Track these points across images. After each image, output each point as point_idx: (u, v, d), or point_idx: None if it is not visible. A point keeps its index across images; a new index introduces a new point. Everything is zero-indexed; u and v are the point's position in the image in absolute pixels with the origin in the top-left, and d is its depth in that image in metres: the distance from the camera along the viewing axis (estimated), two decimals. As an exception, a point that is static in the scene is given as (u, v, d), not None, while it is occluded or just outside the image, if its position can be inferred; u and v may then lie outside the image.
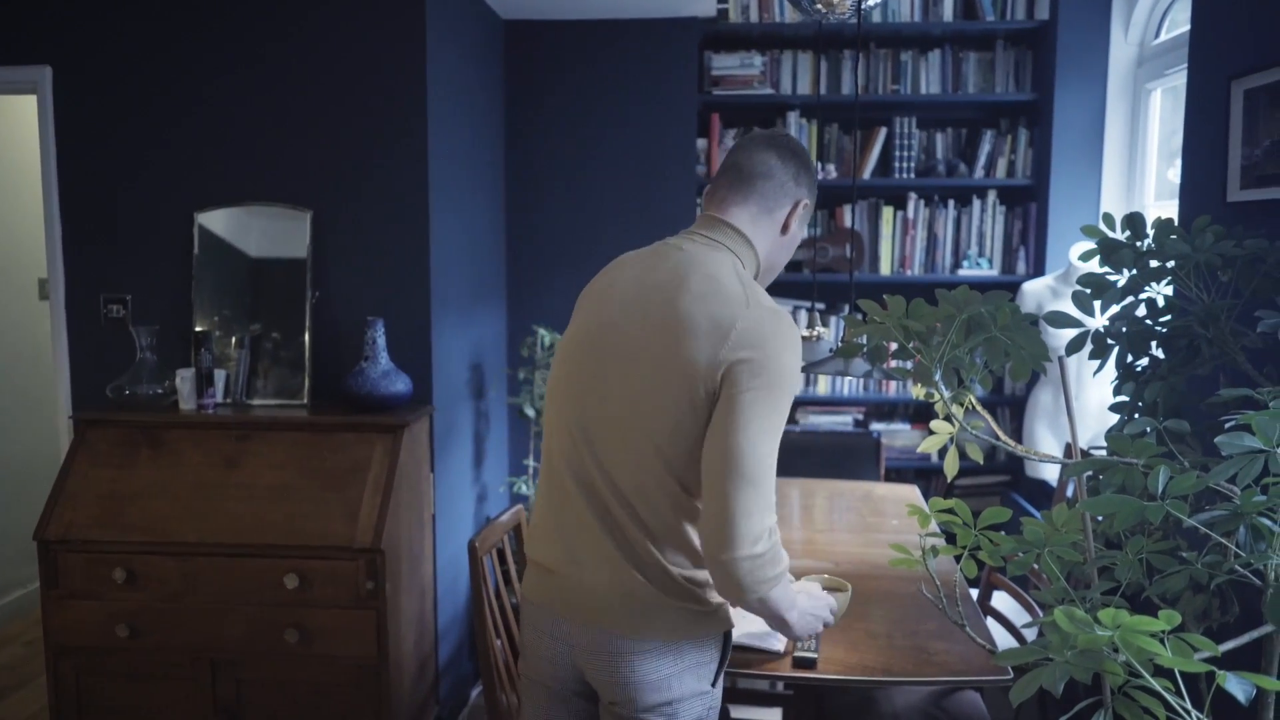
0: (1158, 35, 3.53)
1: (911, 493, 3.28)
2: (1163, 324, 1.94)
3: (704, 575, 1.59)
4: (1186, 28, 3.32)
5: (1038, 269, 3.81)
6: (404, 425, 2.71)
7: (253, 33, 2.90)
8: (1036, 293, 3.55)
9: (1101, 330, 2.03)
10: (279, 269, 2.94)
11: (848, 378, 3.81)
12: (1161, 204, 3.53)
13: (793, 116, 3.97)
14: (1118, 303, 1.99)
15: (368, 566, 2.54)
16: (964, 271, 3.91)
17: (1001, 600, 2.55)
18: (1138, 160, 3.60)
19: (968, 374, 2.01)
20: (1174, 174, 3.53)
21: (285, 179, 2.94)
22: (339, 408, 2.84)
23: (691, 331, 1.50)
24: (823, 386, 4.01)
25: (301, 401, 2.89)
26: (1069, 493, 3.11)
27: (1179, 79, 3.37)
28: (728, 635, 1.66)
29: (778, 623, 1.59)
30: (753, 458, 1.44)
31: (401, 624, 2.69)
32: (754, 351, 1.47)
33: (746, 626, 2.09)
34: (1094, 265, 2.00)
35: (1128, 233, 2.04)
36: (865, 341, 1.97)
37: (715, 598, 1.61)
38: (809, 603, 1.68)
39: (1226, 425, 1.49)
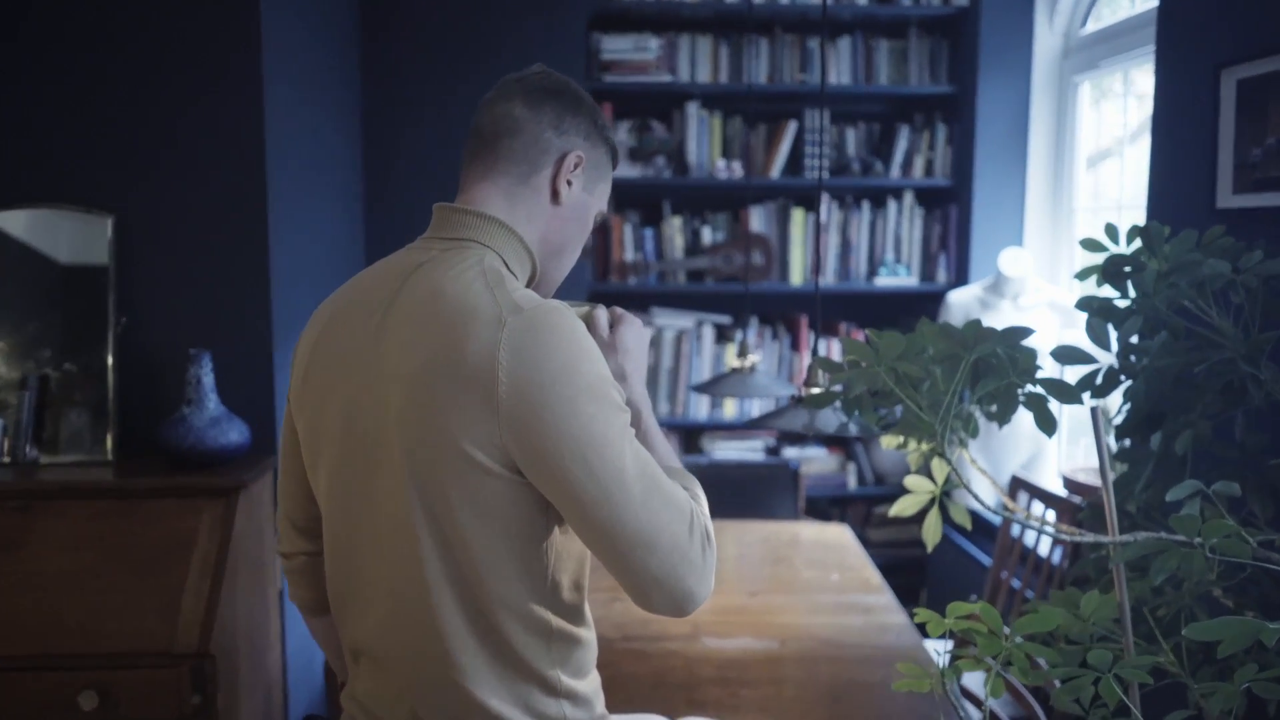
0: (1084, 25, 3.27)
1: (842, 534, 2.91)
2: (1192, 359, 1.60)
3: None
4: (1116, 19, 3.07)
5: (960, 277, 3.51)
6: (239, 486, 2.15)
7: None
8: (964, 304, 3.25)
9: (1115, 366, 1.68)
10: (74, 290, 2.32)
11: (761, 401, 3.42)
12: (1097, 209, 3.28)
13: (693, 107, 3.55)
14: (1133, 332, 1.66)
15: (193, 675, 1.97)
16: (881, 280, 3.58)
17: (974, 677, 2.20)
18: (1065, 159, 3.34)
19: (958, 423, 1.65)
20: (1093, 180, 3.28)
21: (78, 175, 2.32)
22: (155, 466, 2.25)
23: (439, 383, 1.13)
24: (729, 409, 3.61)
25: (105, 459, 2.28)
26: (1014, 533, 2.79)
27: (1111, 73, 3.11)
28: None
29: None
30: (620, 491, 1.09)
31: (241, 739, 2.13)
32: (538, 374, 1.08)
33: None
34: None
35: (1135, 245, 1.70)
36: (844, 389, 1.56)
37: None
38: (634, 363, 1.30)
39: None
